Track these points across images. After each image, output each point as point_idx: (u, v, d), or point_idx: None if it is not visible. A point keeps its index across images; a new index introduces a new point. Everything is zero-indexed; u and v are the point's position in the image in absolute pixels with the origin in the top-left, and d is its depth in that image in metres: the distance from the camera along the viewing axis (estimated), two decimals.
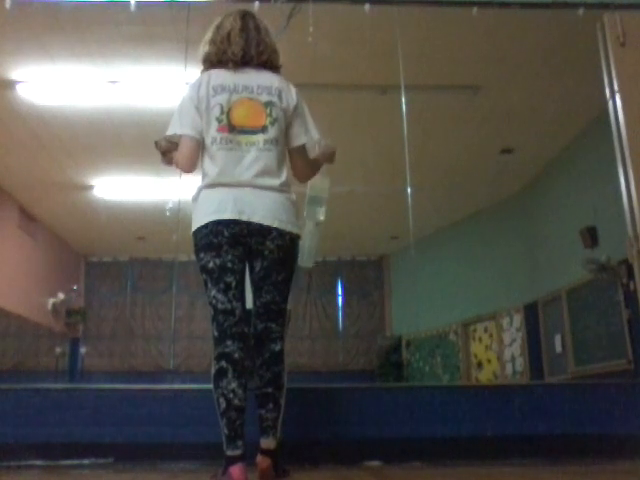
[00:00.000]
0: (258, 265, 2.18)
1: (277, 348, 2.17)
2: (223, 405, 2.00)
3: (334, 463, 2.75)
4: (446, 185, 7.17)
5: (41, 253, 8.60)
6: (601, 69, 3.54)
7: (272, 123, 2.19)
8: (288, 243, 2.17)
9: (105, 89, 5.24)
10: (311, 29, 3.81)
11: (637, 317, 4.90)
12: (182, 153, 2.20)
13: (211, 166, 2.17)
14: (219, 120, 2.16)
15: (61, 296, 8.95)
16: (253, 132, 2.17)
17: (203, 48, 2.31)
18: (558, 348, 6.51)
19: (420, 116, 5.40)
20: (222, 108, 2.17)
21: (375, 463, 2.77)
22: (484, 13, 3.83)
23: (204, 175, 2.21)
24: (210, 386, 2.06)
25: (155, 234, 8.52)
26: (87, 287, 10.08)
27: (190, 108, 2.19)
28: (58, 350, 8.80)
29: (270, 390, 2.12)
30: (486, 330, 8.21)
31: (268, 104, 2.21)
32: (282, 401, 2.15)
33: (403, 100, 4.84)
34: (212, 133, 2.17)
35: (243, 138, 2.16)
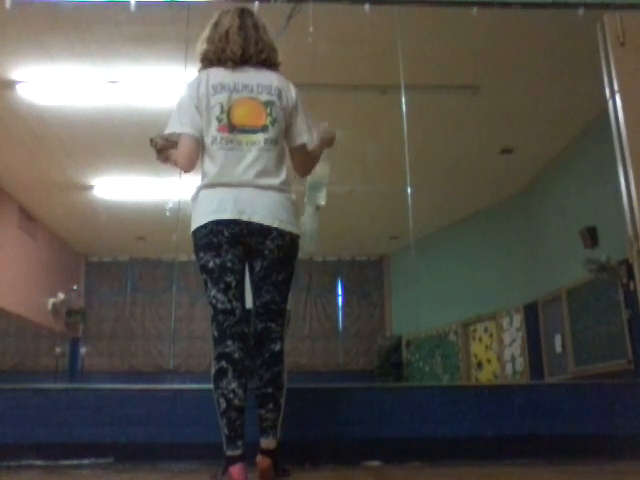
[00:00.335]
0: (258, 265, 2.17)
1: (277, 348, 2.16)
2: (223, 405, 2.00)
3: (334, 463, 2.75)
4: (446, 185, 7.18)
5: (41, 253, 8.60)
6: (601, 69, 3.54)
7: (272, 123, 2.18)
8: (288, 243, 2.16)
9: (105, 89, 5.25)
10: (311, 29, 3.82)
11: (637, 317, 4.90)
12: (182, 152, 2.19)
13: (211, 166, 2.16)
14: (219, 119, 2.15)
15: (61, 296, 8.95)
16: (253, 131, 2.16)
17: (201, 46, 2.28)
18: (558, 348, 6.51)
19: (420, 116, 5.40)
20: (222, 107, 2.15)
21: (375, 463, 2.77)
22: (484, 13, 3.84)
23: (204, 174, 2.20)
24: (210, 386, 2.06)
25: (155, 234, 8.53)
26: (87, 287, 10.08)
27: (190, 107, 2.17)
28: (58, 350, 8.81)
29: (270, 390, 2.12)
30: (486, 330, 8.21)
31: (268, 103, 2.19)
32: (282, 401, 2.15)
33: (403, 100, 4.85)
34: (212, 132, 2.15)
35: (244, 138, 2.15)
